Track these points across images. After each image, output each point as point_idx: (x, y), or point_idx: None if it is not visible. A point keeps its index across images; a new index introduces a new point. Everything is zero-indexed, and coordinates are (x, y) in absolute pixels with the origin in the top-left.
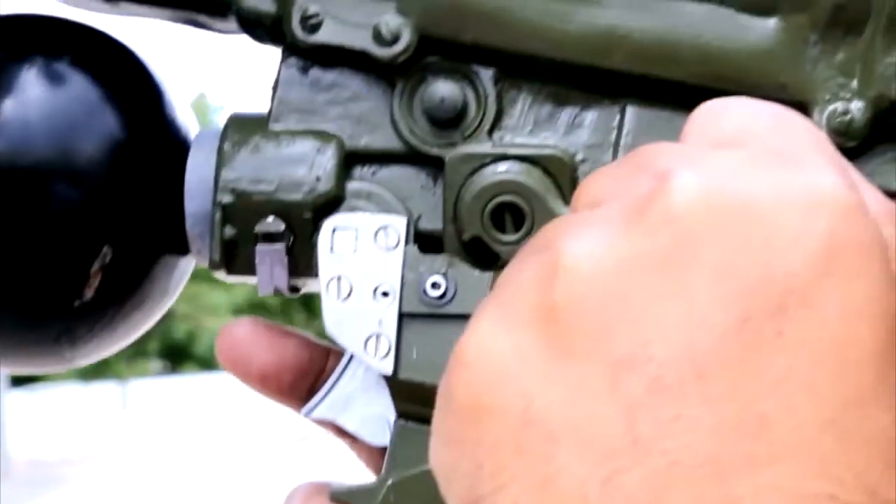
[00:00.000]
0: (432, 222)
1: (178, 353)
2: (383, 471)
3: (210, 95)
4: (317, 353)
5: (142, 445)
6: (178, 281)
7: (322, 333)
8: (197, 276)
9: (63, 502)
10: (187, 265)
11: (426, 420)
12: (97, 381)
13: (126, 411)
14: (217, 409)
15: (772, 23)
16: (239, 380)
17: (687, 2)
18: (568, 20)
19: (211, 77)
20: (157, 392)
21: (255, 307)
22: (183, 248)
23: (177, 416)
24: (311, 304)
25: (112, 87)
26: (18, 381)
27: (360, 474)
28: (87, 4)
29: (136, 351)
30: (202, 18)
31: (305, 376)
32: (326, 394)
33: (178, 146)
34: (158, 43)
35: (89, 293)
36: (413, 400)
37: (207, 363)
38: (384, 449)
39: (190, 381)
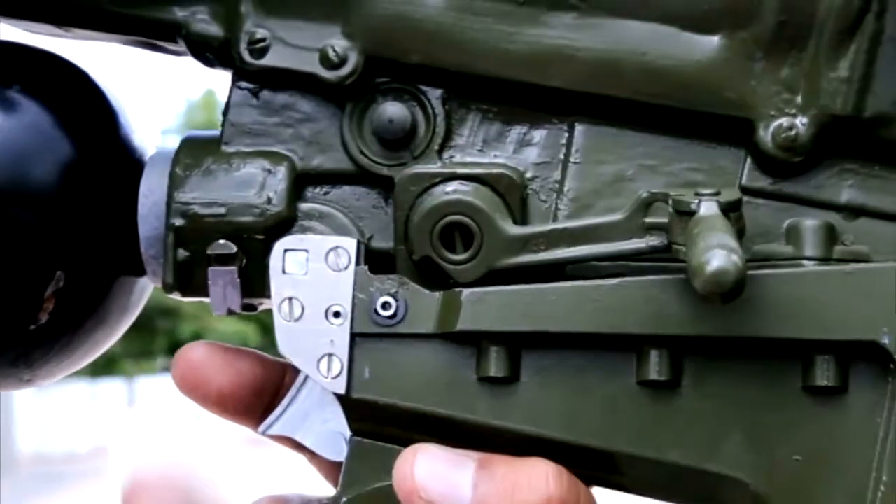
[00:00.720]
0: (384, 241)
1: None
2: (338, 488)
3: (218, 91)
4: (272, 370)
5: (148, 442)
6: (137, 300)
7: None
8: None
9: (70, 498)
10: (145, 285)
11: (380, 437)
12: (104, 378)
13: (133, 408)
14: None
15: (715, 40)
16: (197, 404)
17: (631, 20)
18: (512, 40)
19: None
20: (164, 389)
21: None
22: (139, 270)
23: (183, 414)
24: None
25: (64, 112)
26: None
27: None
28: (42, 30)
29: (143, 350)
30: (155, 42)
31: (262, 394)
32: (283, 411)
33: (133, 168)
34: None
35: (44, 317)
36: (366, 418)
37: None
38: (341, 464)
39: None
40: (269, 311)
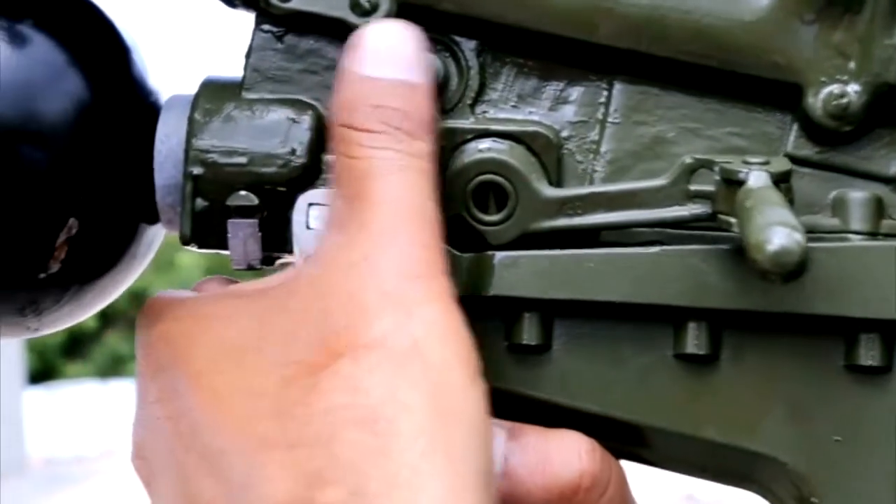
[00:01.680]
0: None
1: None
2: None
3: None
4: None
5: None
6: (148, 248)
7: None
8: (209, 273)
9: (81, 499)
10: (157, 232)
11: None
12: (115, 378)
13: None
14: None
15: (766, 1)
16: None
17: None
18: None
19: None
20: None
21: None
22: (152, 217)
23: None
24: None
25: (77, 48)
26: (36, 380)
27: None
28: None
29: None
30: None
31: None
32: None
33: (147, 110)
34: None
35: (55, 266)
36: None
37: None
38: None
39: None
40: None
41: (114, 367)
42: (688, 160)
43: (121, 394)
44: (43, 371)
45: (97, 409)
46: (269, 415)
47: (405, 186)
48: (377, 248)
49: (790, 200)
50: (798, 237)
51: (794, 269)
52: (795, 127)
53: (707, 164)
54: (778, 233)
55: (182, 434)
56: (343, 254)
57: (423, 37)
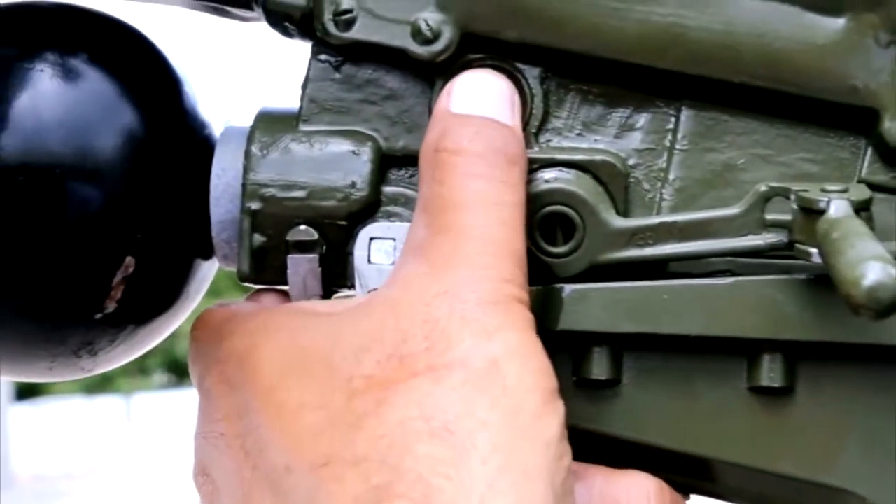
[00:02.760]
0: None
1: (182, 371)
2: None
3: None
4: None
5: (146, 459)
6: (201, 284)
7: None
8: None
9: None
10: (210, 268)
11: None
12: (101, 394)
13: (130, 425)
14: None
15: (840, 22)
16: None
17: None
18: (621, 17)
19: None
20: (162, 406)
21: None
22: (207, 253)
23: (181, 430)
24: None
25: (130, 83)
26: (22, 395)
27: None
28: None
29: (139, 367)
30: (224, 7)
31: None
32: None
33: (201, 144)
34: (193, 54)
35: (111, 305)
36: None
37: None
38: None
39: (195, 395)
40: None
41: (100, 384)
42: (762, 188)
43: (107, 410)
44: (30, 387)
45: (84, 425)
46: (334, 427)
47: (496, 221)
48: (461, 283)
49: (871, 229)
50: (893, 272)
51: (890, 305)
52: (870, 151)
53: (783, 193)
54: (873, 268)
55: (249, 452)
56: (425, 282)
57: (513, 86)
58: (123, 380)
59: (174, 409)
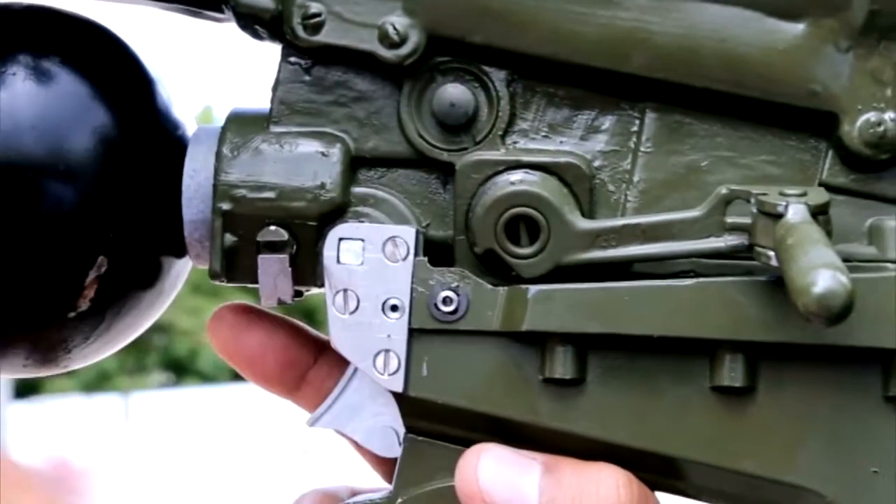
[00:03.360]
0: (441, 229)
1: (180, 369)
2: (392, 488)
3: (216, 108)
4: (308, 346)
5: (144, 457)
6: (175, 281)
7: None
8: (199, 289)
9: None
10: (185, 265)
11: (436, 436)
12: (100, 392)
13: (129, 423)
14: (220, 421)
15: (800, 27)
16: (227, 360)
17: (710, 3)
18: (585, 21)
19: (217, 89)
20: (160, 404)
21: None
22: (180, 251)
23: (180, 428)
24: (313, 317)
25: (102, 83)
26: (21, 393)
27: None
28: None
29: (137, 365)
30: (195, 10)
31: (293, 367)
32: (332, 403)
33: (174, 144)
34: (163, 53)
35: (84, 304)
36: (422, 416)
37: (209, 379)
38: (395, 459)
39: (193, 394)
40: None
41: (99, 382)
42: (723, 191)
43: (105, 408)
44: (28, 385)
45: (82, 423)
46: None
47: None
48: None
49: (829, 233)
50: (843, 279)
51: (840, 312)
52: (830, 154)
53: (743, 196)
54: (823, 275)
55: None
56: None
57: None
58: (122, 378)
59: (172, 408)
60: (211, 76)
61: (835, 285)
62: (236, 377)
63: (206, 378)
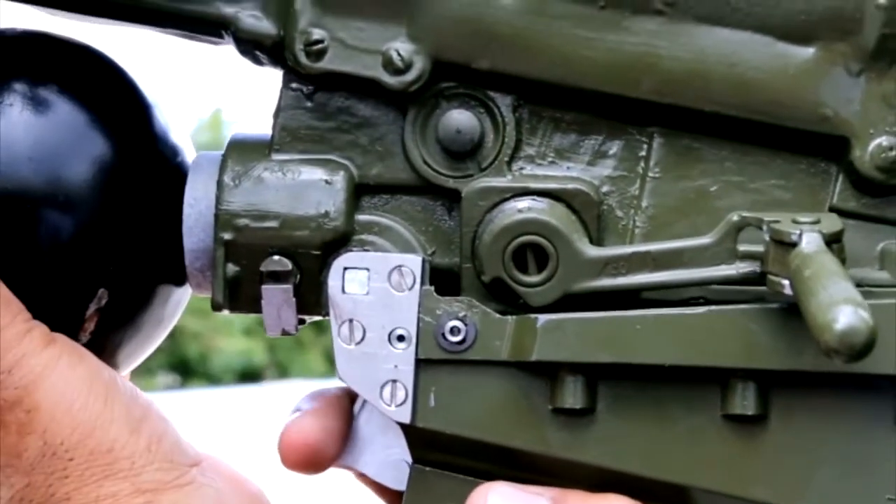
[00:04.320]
0: (447, 257)
1: (188, 372)
2: None
3: (225, 111)
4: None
5: None
6: (175, 309)
7: (332, 348)
8: None
9: None
10: (184, 293)
11: (444, 466)
12: None
13: None
14: (227, 423)
15: (811, 51)
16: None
17: (721, 28)
18: (593, 46)
19: (227, 92)
20: (168, 406)
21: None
22: (180, 280)
23: (186, 430)
24: (320, 323)
25: (100, 111)
26: None
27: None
28: (81, 17)
29: (145, 367)
30: (194, 35)
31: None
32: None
33: (173, 171)
34: (173, 59)
35: (84, 337)
36: (431, 447)
37: (217, 382)
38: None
39: (201, 396)
40: (274, 340)
41: None
42: (735, 218)
43: None
44: None
45: None
46: None
47: None
48: None
49: (842, 260)
50: (865, 315)
51: (862, 349)
52: (841, 178)
53: (755, 223)
54: (844, 312)
55: None
56: None
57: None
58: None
59: (179, 410)
60: (220, 78)
61: (857, 322)
62: (243, 380)
63: (213, 381)
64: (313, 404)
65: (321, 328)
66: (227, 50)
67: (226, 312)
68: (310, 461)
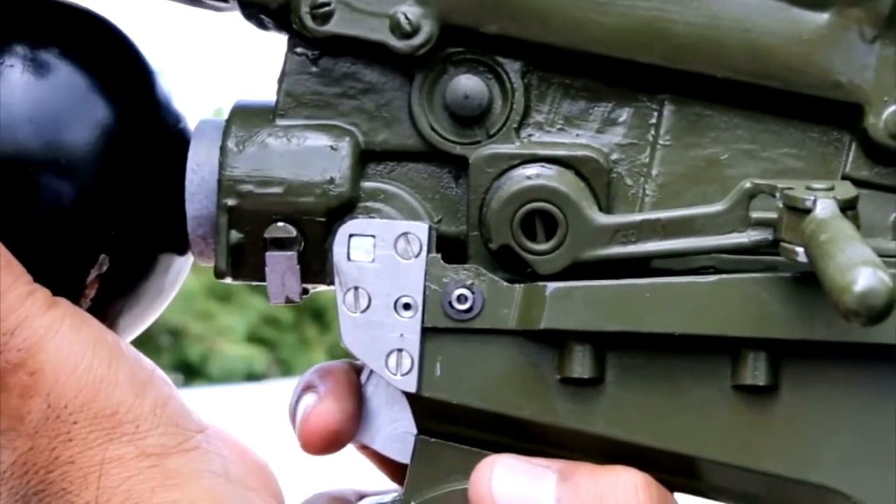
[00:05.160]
0: (453, 225)
1: (191, 374)
2: (404, 490)
3: (226, 109)
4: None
5: None
6: (176, 278)
7: (336, 346)
8: (211, 294)
9: None
10: (186, 262)
11: (449, 437)
12: None
13: None
14: (229, 421)
15: (825, 17)
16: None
17: None
18: (604, 11)
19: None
20: None
21: (268, 322)
22: (182, 248)
23: None
24: (323, 318)
25: (101, 75)
26: None
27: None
28: None
29: None
30: (199, 1)
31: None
32: None
33: (175, 138)
34: (173, 54)
35: (85, 304)
36: (436, 417)
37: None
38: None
39: (202, 394)
40: (280, 326)
41: None
42: (747, 185)
43: None
44: None
45: None
46: None
47: None
48: None
49: (857, 227)
50: (885, 277)
51: (881, 311)
52: (854, 147)
53: (768, 190)
54: (864, 273)
55: None
56: None
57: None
58: None
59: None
60: (220, 77)
61: (876, 283)
62: (246, 379)
63: (215, 383)
64: (326, 384)
65: (325, 326)
66: (229, 20)
67: (228, 280)
68: (331, 445)
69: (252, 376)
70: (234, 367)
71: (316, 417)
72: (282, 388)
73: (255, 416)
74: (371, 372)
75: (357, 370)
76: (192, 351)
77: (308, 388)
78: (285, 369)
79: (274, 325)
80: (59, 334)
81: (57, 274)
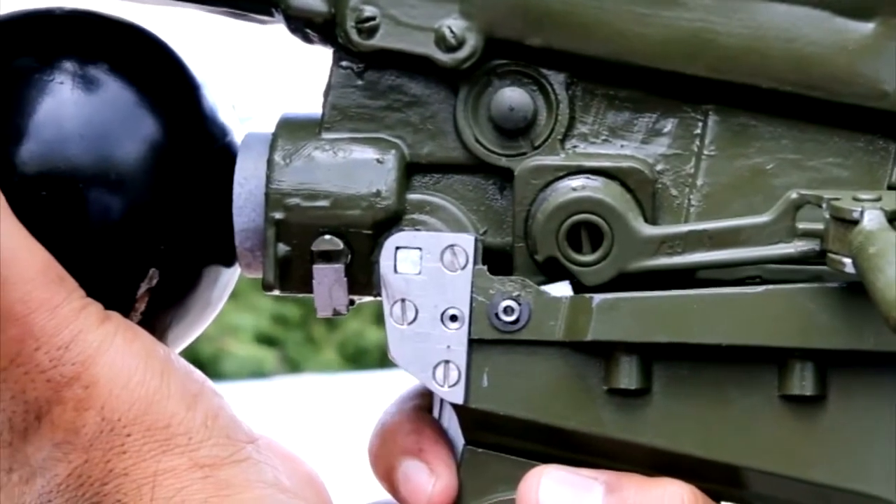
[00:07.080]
0: (499, 236)
1: (203, 371)
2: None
3: (240, 107)
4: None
5: None
6: (223, 291)
7: (345, 346)
8: None
9: None
10: (233, 274)
11: (497, 447)
12: None
13: None
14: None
15: (870, 26)
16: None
17: (778, 3)
18: (647, 23)
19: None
20: None
21: (276, 321)
22: (229, 261)
23: None
24: (332, 319)
25: (149, 90)
26: None
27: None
28: None
29: None
30: (243, 12)
31: None
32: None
33: (222, 151)
34: (219, 67)
35: (135, 318)
36: (483, 428)
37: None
38: None
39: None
40: (288, 324)
41: None
42: (793, 196)
43: None
44: None
45: None
46: None
47: None
48: None
49: None
50: None
51: None
52: None
53: (814, 201)
54: None
55: None
56: None
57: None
58: None
59: None
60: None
61: None
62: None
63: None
64: (431, 451)
65: (333, 325)
66: (271, 31)
67: (276, 293)
68: None
69: (260, 374)
70: (244, 366)
71: (441, 498)
72: (289, 386)
73: (262, 413)
74: (441, 402)
75: (429, 407)
76: (203, 349)
77: (409, 453)
78: (293, 367)
79: (282, 323)
80: (113, 348)
81: (108, 288)
